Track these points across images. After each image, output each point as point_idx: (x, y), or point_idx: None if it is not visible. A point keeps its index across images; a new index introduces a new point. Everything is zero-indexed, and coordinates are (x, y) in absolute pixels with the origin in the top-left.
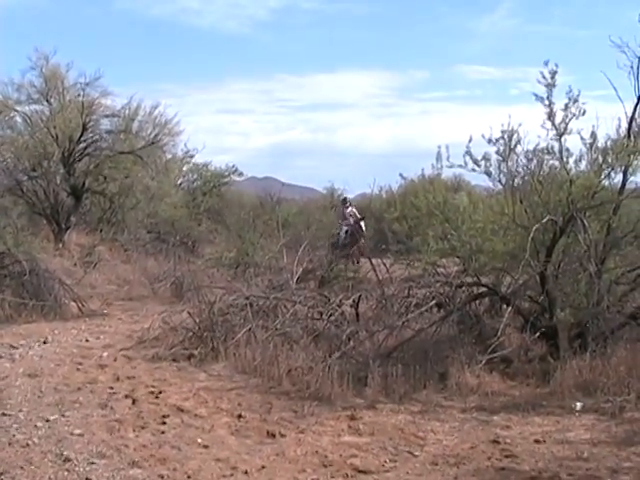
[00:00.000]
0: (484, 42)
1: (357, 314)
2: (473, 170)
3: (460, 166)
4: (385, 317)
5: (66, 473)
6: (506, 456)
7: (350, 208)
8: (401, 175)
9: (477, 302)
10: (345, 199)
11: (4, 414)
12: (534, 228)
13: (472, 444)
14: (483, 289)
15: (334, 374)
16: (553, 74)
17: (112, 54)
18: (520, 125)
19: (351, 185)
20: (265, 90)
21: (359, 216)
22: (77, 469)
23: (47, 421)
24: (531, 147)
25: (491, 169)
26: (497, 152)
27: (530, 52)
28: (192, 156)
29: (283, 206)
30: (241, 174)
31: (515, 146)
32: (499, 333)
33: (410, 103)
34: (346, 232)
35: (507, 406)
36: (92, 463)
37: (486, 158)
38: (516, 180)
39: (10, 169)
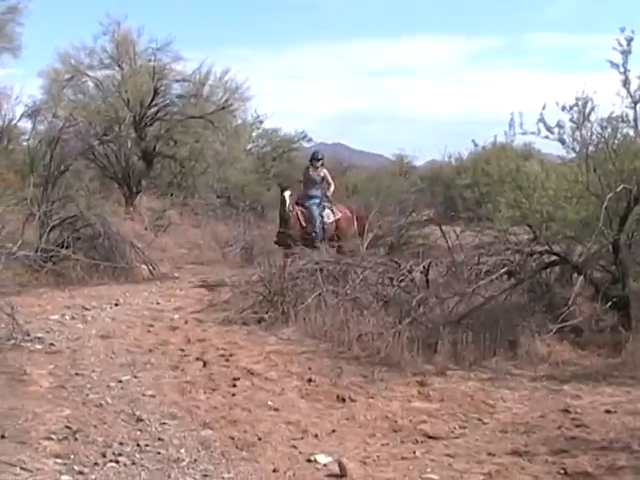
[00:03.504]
0: (557, 9)
1: (427, 280)
2: (546, 137)
3: (533, 133)
4: (455, 284)
5: (139, 433)
6: (576, 425)
7: (324, 171)
8: (474, 142)
9: (548, 271)
10: (316, 154)
11: (77, 374)
12: (608, 197)
13: (542, 413)
14: (554, 258)
15: (404, 340)
16: (629, 41)
17: (182, 20)
18: (595, 93)
19: (421, 152)
20: (335, 56)
21: (330, 181)
22: (149, 429)
23: (120, 382)
24: (605, 115)
25: (565, 137)
26: (571, 120)
27: (605, 19)
28: (262, 121)
29: (353, 172)
30: (310, 140)
31: (589, 114)
32: (570, 302)
33: (480, 70)
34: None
35: (577, 376)
36: (164, 424)
37: (560, 125)
38: (590, 148)
39: (82, 133)
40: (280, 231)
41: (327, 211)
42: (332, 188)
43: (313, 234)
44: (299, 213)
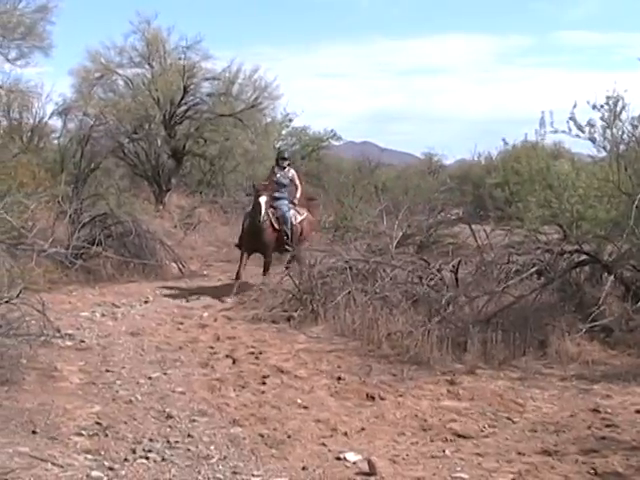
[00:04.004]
0: (586, 7)
1: (457, 279)
2: (577, 136)
3: (564, 132)
4: (485, 283)
5: (168, 429)
6: (606, 425)
7: (292, 172)
8: (504, 140)
9: (578, 270)
10: (282, 153)
11: (107, 371)
12: (639, 196)
13: (572, 412)
14: (584, 257)
15: (433, 339)
16: None
17: (212, 18)
18: (626, 91)
19: (451, 151)
20: (364, 54)
21: (298, 183)
22: (179, 426)
23: (149, 379)
24: (636, 114)
25: (595, 135)
26: (602, 118)
27: (631, 17)
28: (291, 120)
29: (381, 171)
30: (339, 138)
31: (620, 112)
32: (600, 302)
33: (510, 69)
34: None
35: (608, 375)
36: (194, 420)
37: (591, 124)
38: (621, 147)
39: (112, 131)
40: (243, 234)
41: (292, 212)
42: (299, 191)
43: (285, 237)
44: (271, 216)
